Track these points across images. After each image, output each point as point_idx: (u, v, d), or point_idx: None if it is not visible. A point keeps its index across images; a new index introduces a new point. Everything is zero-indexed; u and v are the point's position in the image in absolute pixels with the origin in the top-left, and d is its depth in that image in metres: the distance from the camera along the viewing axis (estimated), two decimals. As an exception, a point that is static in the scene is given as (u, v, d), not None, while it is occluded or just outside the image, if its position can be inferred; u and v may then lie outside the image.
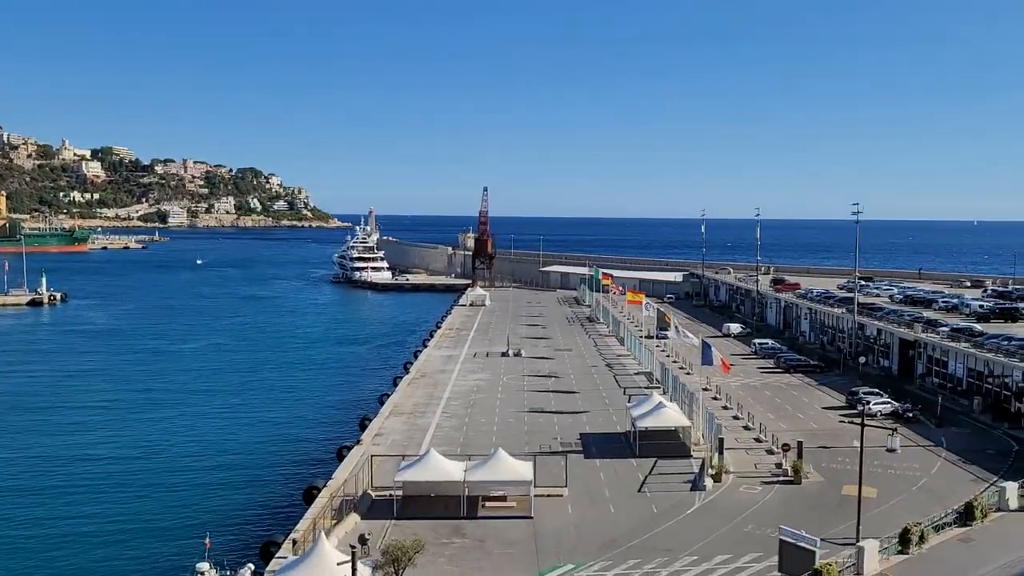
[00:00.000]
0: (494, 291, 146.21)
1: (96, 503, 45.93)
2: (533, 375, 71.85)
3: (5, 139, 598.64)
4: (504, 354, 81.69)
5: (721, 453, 44.27)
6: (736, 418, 55.81)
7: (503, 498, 38.85)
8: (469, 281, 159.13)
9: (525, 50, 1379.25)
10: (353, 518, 36.76)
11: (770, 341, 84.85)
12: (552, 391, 65.28)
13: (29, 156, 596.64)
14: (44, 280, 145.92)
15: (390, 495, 38.78)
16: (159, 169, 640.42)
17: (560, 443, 49.73)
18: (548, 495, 39.67)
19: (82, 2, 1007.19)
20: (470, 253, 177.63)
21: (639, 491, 41.23)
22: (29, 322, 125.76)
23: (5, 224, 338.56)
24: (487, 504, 38.49)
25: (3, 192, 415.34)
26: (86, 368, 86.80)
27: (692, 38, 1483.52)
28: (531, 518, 36.96)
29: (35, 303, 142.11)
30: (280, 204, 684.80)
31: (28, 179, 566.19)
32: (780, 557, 29.98)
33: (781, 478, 42.92)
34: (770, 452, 47.64)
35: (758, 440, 50.44)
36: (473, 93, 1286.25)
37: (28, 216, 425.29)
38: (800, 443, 45.48)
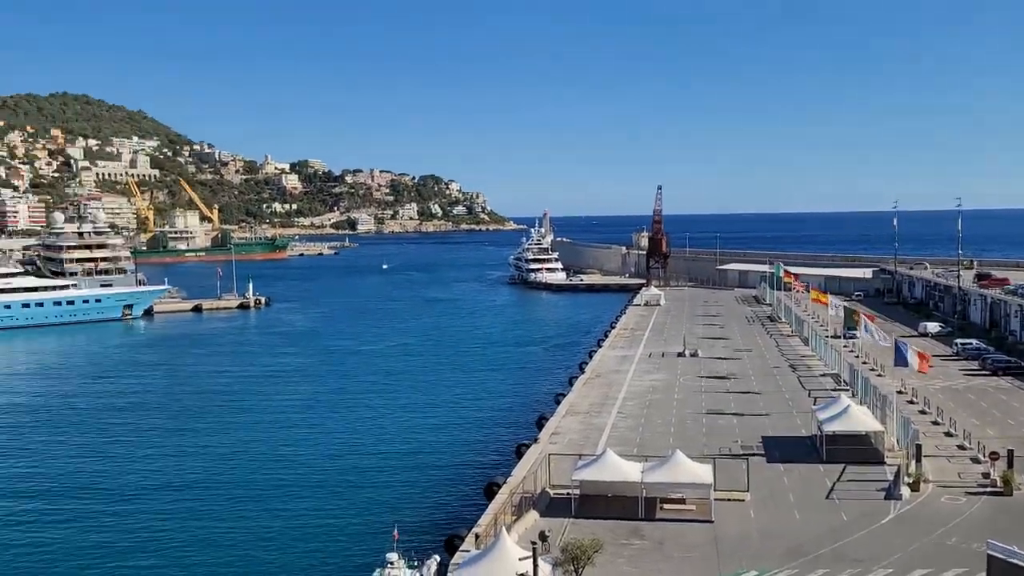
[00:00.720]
0: (669, 290, 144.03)
1: (291, 497, 49.11)
2: (711, 376, 70.20)
3: (218, 157, 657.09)
4: (680, 354, 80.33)
5: (919, 460, 41.37)
6: (936, 423, 51.96)
7: (682, 501, 38.27)
8: (643, 281, 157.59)
9: (698, 45, 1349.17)
10: (532, 515, 37.45)
11: (974, 341, 78.29)
12: (731, 392, 63.51)
13: (237, 172, 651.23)
14: (251, 285, 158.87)
15: (567, 494, 39.17)
16: (349, 179, 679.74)
17: (741, 446, 48.32)
18: (728, 499, 38.65)
19: (284, 39, 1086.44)
20: (644, 252, 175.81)
21: (827, 498, 39.31)
22: (238, 324, 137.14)
23: (218, 234, 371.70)
24: (665, 506, 38.05)
25: (216, 205, 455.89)
26: (285, 368, 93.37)
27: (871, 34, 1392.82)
28: (711, 522, 36.18)
29: (243, 306, 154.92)
30: (459, 209, 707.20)
31: (236, 193, 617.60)
32: (988, 574, 27.67)
33: (989, 489, 39.54)
34: (976, 461, 44.02)
35: (961, 447, 46.74)
36: (647, 92, 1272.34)
37: (236, 227, 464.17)
38: (1011, 452, 41.67)
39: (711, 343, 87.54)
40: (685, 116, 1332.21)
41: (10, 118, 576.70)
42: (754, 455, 45.66)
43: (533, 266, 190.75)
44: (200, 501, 48.14)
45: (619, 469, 38.34)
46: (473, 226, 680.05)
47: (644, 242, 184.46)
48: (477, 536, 34.49)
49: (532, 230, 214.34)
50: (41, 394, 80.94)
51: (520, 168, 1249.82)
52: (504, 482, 42.77)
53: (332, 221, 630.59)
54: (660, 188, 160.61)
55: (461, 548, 34.30)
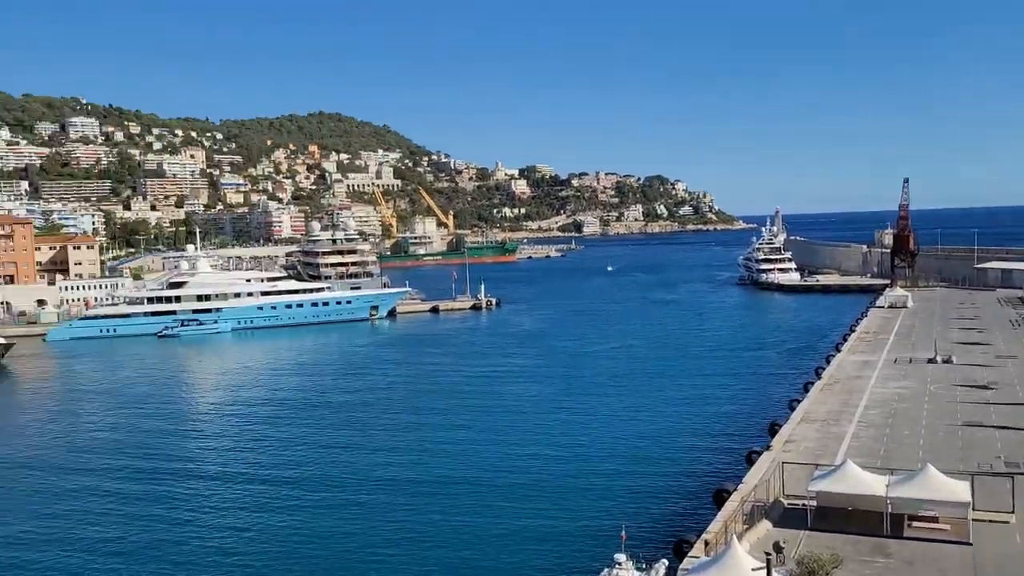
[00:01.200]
0: (917, 291, 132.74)
1: (519, 495, 50.45)
2: (967, 385, 63.89)
3: (453, 166, 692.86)
4: (931, 360, 73.80)
5: None
6: None
7: (934, 519, 35.22)
8: (887, 281, 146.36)
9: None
10: (765, 525, 36.12)
11: None
12: (993, 403, 57.44)
13: (470, 179, 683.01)
14: (483, 287, 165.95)
15: (803, 504, 37.35)
16: (575, 182, 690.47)
17: (1005, 462, 43.62)
18: (990, 520, 35.06)
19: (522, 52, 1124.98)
20: (888, 251, 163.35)
21: (1112, 527, 34.55)
22: (471, 324, 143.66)
23: (453, 239, 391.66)
24: (914, 524, 35.19)
25: (451, 211, 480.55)
26: (513, 368, 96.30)
27: None
28: (969, 544, 33.01)
29: (476, 307, 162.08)
30: (685, 209, 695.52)
31: (469, 199, 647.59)
32: None
33: None
34: None
35: None
36: (898, 82, 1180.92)
37: (470, 231, 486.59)
38: None
39: (967, 349, 79.69)
40: (942, 108, 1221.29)
41: (276, 137, 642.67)
42: (1020, 473, 41.06)
43: (764, 266, 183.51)
44: (434, 497, 50.15)
45: (861, 481, 35.99)
46: (700, 226, 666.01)
47: (888, 239, 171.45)
48: (707, 543, 33.82)
49: (763, 229, 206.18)
50: (300, 388, 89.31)
51: (749, 166, 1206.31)
52: (734, 489, 41.56)
53: (559, 224, 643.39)
54: (906, 182, 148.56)
55: (690, 554, 33.78)
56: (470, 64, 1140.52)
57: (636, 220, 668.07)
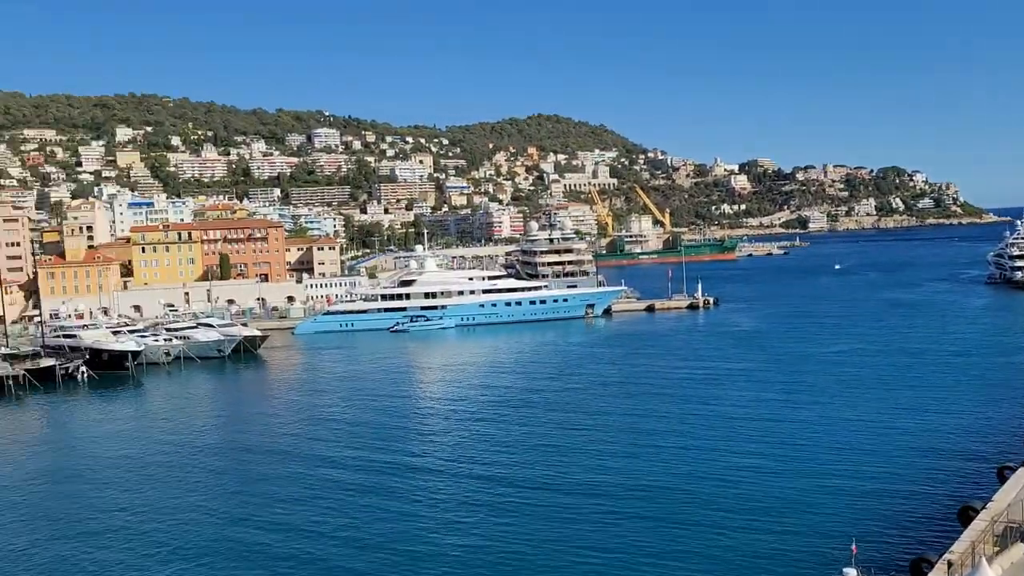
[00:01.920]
0: None
1: (742, 500, 49.01)
2: None
3: (670, 163, 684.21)
4: None
5: None
6: None
7: None
8: None
9: None
10: (1020, 548, 32.58)
11: None
12: None
13: (687, 175, 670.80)
14: (699, 286, 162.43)
15: (1067, 530, 33.29)
16: (799, 176, 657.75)
17: None
18: None
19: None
20: None
21: None
22: (687, 324, 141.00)
23: (669, 237, 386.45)
24: None
25: (667, 209, 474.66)
26: (732, 370, 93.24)
27: None
28: None
29: (692, 307, 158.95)
30: (925, 202, 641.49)
31: (686, 196, 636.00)
32: None
33: None
34: None
35: None
36: None
37: (686, 229, 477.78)
38: None
39: None
40: None
41: (497, 141, 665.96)
42: None
43: (1019, 263, 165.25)
44: (645, 505, 48.93)
45: None
46: (942, 220, 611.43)
47: None
48: (950, 564, 31.08)
49: (1018, 222, 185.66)
50: (517, 385, 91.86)
51: (1001, 152, 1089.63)
52: (983, 507, 37.84)
53: (781, 220, 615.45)
54: None
55: (930, 575, 31.19)
56: (685, 59, 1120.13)
57: (868, 215, 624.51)
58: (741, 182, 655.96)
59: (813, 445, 59.86)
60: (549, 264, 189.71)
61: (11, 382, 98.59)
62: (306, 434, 71.13)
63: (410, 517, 48.58)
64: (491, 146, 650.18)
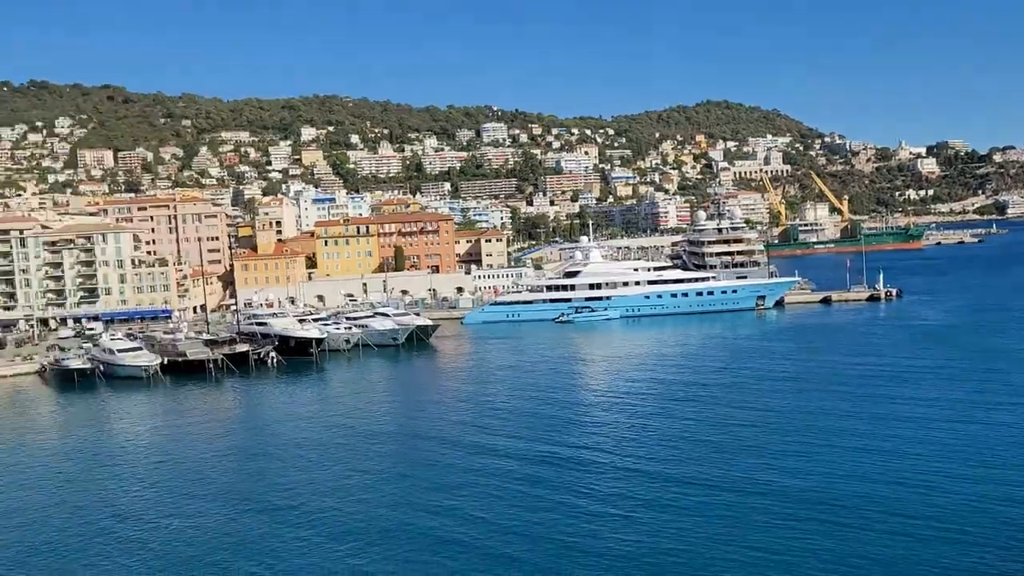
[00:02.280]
0: None
1: (923, 505, 46.15)
2: None
3: (848, 147, 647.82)
4: None
5: None
6: None
7: None
8: None
9: None
10: None
11: None
12: None
13: (868, 160, 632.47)
14: (881, 276, 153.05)
15: None
16: (996, 158, 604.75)
17: None
18: None
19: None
20: None
21: None
22: (866, 316, 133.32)
23: (847, 225, 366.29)
24: None
25: (846, 196, 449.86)
26: (916, 368, 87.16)
27: None
28: None
29: (873, 298, 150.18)
30: None
31: (867, 182, 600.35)
32: None
33: None
34: None
35: None
36: None
37: (867, 217, 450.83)
38: None
39: None
40: None
41: (663, 129, 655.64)
42: None
43: None
44: (818, 511, 46.86)
45: None
46: None
47: None
48: None
49: None
50: (682, 378, 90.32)
51: None
52: None
53: (975, 206, 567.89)
54: None
55: None
56: (863, 40, 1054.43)
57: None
58: (929, 166, 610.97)
59: (1011, 450, 55.18)
60: (717, 254, 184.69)
61: (211, 365, 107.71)
62: (473, 422, 73.22)
63: (573, 510, 48.89)
64: (657, 135, 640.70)
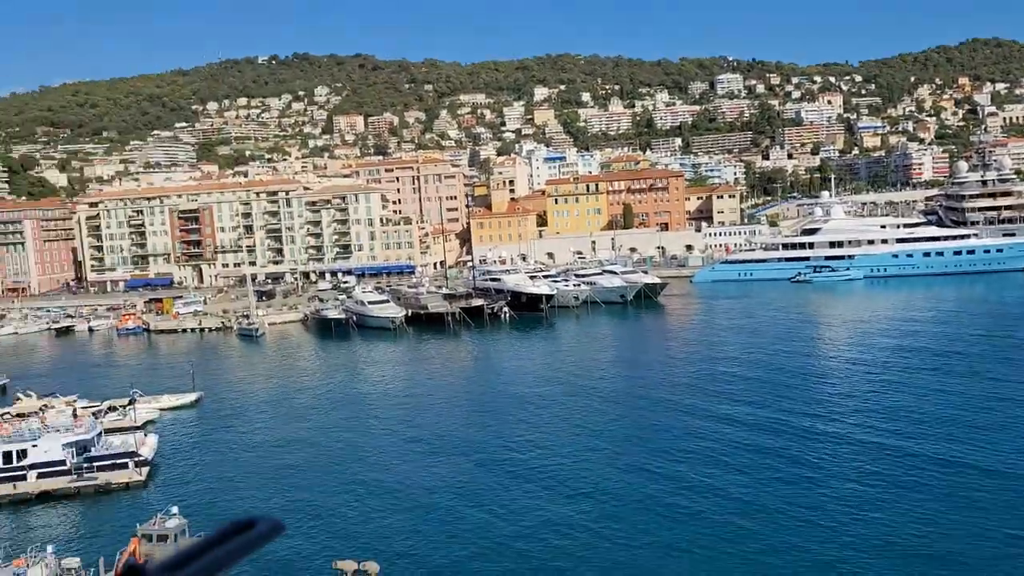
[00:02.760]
0: None
1: None
2: None
3: None
4: None
5: None
6: None
7: None
8: None
9: None
10: None
11: None
12: None
13: None
14: None
15: None
16: None
17: None
18: None
19: None
20: None
21: None
22: None
23: None
24: None
25: None
26: None
27: None
28: None
29: None
30: None
31: None
32: None
33: None
34: None
35: None
36: None
37: None
38: None
39: None
40: None
41: (920, 73, 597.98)
42: None
43: None
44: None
45: None
46: None
47: None
48: None
49: None
50: (931, 346, 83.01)
51: None
52: None
53: None
54: None
55: None
56: None
57: None
58: None
59: None
60: (980, 209, 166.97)
61: (449, 318, 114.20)
62: (700, 385, 72.07)
63: (807, 483, 46.56)
64: (912, 80, 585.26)
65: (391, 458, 56.39)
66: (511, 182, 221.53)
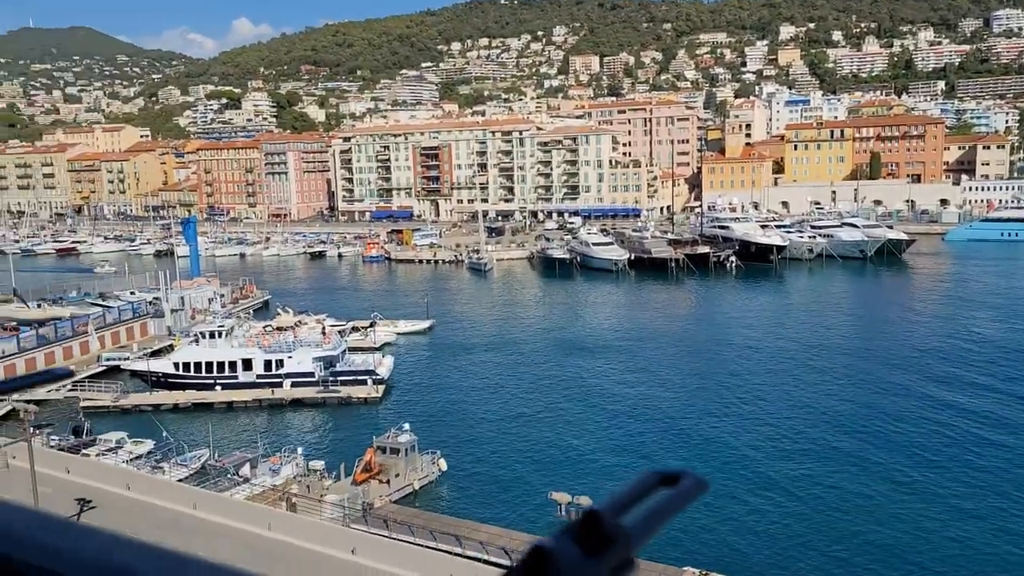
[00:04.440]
0: None
1: None
2: None
3: None
4: None
5: None
6: None
7: None
8: None
9: None
10: None
11: None
12: None
13: None
14: None
15: None
16: None
17: None
18: None
19: None
20: None
21: None
22: None
23: None
24: None
25: None
26: None
27: None
28: None
29: None
30: None
31: None
32: None
33: None
34: None
35: None
36: None
37: None
38: None
39: None
40: None
41: None
42: None
43: None
44: None
45: None
46: None
47: None
48: None
49: None
50: None
51: None
52: None
53: None
54: None
55: None
56: None
57: None
58: None
59: None
60: None
61: (673, 264, 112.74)
62: (948, 352, 66.42)
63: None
64: None
65: (611, 400, 57.32)
66: (748, 126, 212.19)
